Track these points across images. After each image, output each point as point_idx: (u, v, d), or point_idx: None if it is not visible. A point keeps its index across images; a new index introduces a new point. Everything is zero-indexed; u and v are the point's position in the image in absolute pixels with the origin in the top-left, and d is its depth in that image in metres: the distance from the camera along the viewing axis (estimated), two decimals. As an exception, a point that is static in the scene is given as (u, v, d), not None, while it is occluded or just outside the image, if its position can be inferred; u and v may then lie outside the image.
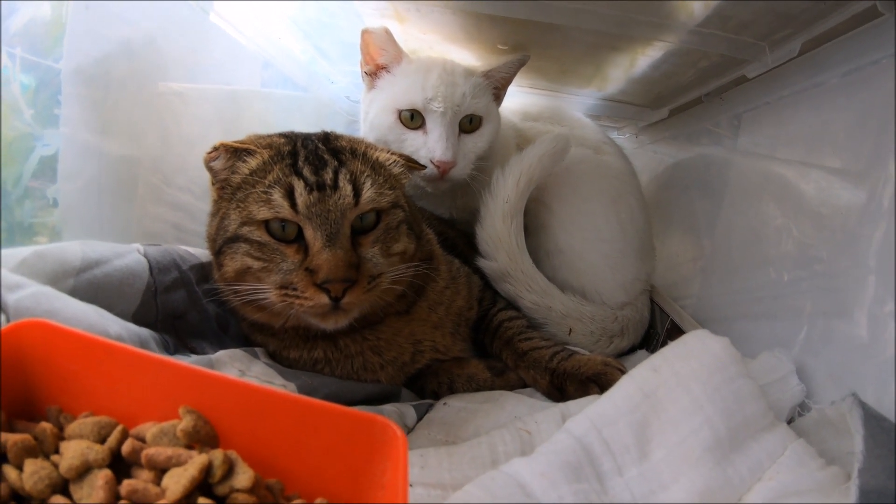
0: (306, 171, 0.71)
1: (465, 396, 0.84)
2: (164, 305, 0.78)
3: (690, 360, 0.69)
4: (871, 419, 0.64)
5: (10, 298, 0.56)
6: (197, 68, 0.95)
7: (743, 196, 0.99)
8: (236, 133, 0.97)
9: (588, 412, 0.65)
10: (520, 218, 1.03)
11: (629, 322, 1.08)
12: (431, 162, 1.01)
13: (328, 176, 0.71)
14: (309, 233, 0.69)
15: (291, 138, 0.78)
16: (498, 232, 1.01)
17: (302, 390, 0.74)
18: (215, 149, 0.73)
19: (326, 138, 0.79)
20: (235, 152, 0.73)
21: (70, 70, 0.75)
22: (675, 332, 1.06)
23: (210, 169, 0.75)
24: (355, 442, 0.47)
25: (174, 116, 0.90)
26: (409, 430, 0.77)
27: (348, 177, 0.71)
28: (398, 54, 1.04)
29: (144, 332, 0.73)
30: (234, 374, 0.75)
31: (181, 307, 0.81)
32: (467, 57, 1.12)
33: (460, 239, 1.11)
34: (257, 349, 0.81)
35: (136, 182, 0.84)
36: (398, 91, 1.04)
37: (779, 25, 0.87)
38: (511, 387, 0.89)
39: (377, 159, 0.77)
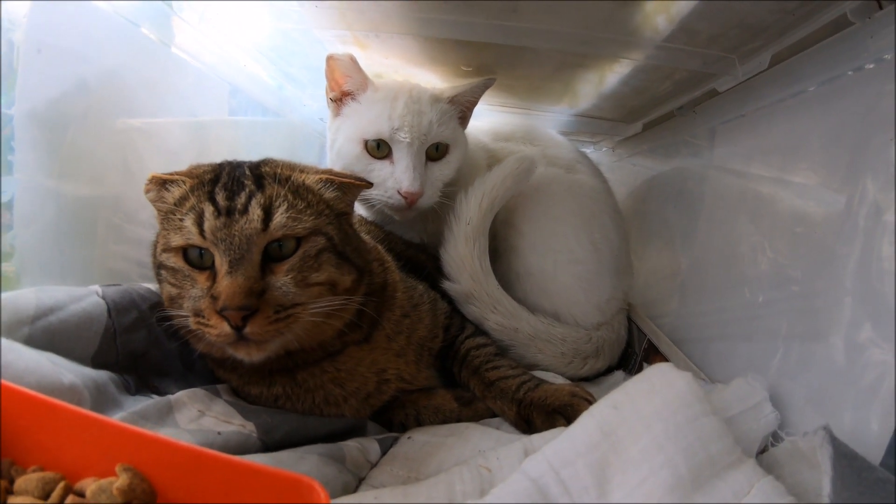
0: (219, 197, 0.70)
1: (431, 429, 0.83)
2: (124, 346, 0.78)
3: (653, 397, 0.67)
4: (842, 458, 0.62)
5: (-38, 352, 0.56)
6: (160, 101, 0.95)
7: (719, 211, 0.97)
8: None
9: (546, 452, 0.64)
10: (483, 240, 1.03)
11: (605, 343, 1.07)
12: (399, 192, 1.01)
13: (240, 201, 0.69)
14: (217, 259, 0.68)
15: (221, 166, 0.77)
16: (461, 254, 1.01)
17: (262, 429, 0.73)
18: (149, 181, 0.74)
19: (258, 164, 0.78)
20: (163, 183, 0.74)
21: (23, 114, 0.75)
22: (652, 352, 1.05)
23: (149, 201, 0.76)
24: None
25: (136, 152, 0.90)
26: (372, 466, 0.76)
27: (261, 202, 0.69)
28: (363, 81, 1.03)
29: (103, 375, 0.73)
30: (194, 414, 0.74)
31: (142, 346, 0.80)
32: (432, 79, 1.11)
33: (431, 262, 1.09)
34: (220, 386, 0.81)
35: (96, 222, 0.85)
36: (364, 120, 1.03)
37: (748, 38, 0.85)
38: (479, 417, 0.88)
39: (303, 183, 0.75)
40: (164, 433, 0.70)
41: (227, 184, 0.71)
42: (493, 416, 0.89)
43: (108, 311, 0.77)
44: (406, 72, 1.06)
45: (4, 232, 0.74)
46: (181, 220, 0.69)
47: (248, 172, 0.74)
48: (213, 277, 0.68)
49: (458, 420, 0.86)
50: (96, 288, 0.79)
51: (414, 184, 1.00)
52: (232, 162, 0.79)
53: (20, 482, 0.47)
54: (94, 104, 0.85)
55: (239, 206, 0.69)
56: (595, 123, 1.22)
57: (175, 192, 0.73)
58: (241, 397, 0.82)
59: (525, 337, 1.01)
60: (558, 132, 1.27)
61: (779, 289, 0.83)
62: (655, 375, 0.70)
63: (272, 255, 0.70)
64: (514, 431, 0.84)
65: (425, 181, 1.02)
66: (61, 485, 0.47)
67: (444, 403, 0.87)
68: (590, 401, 0.83)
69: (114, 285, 0.81)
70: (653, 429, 0.65)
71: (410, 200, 1.01)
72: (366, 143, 1.03)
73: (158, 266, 0.73)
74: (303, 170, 0.77)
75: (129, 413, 0.70)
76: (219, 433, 0.71)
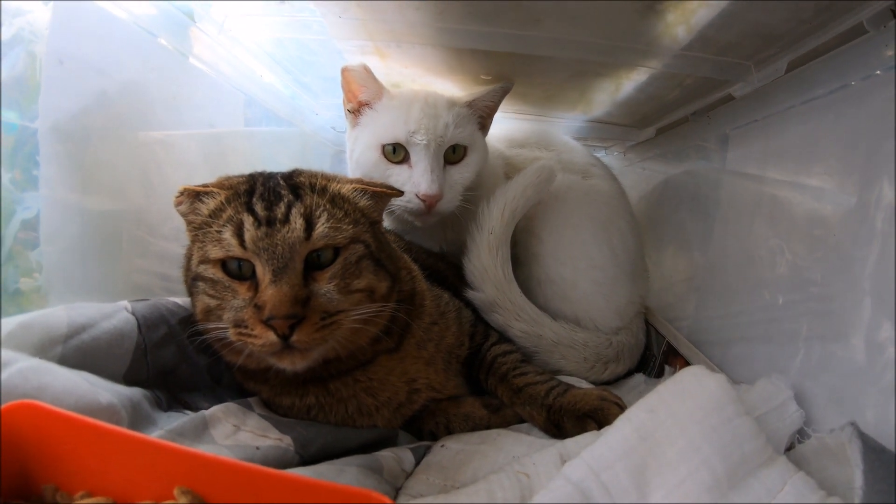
0: (258, 207, 0.71)
1: (463, 437, 0.85)
2: (154, 362, 0.78)
3: (687, 400, 0.69)
4: (871, 451, 0.65)
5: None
6: (178, 113, 0.95)
7: (735, 215, 0.99)
8: (221, 174, 0.97)
9: (585, 456, 0.65)
10: (506, 248, 1.04)
11: (624, 347, 1.09)
12: (417, 196, 1.01)
13: (280, 210, 0.70)
14: (259, 269, 0.68)
15: (254, 177, 0.78)
16: (484, 263, 1.02)
17: (298, 442, 0.74)
18: (180, 193, 0.74)
19: (290, 175, 0.79)
20: (196, 195, 0.74)
21: (46, 128, 0.75)
22: (672, 354, 1.07)
23: (180, 213, 0.76)
24: (351, 519, 0.48)
25: (157, 164, 0.90)
26: (407, 475, 0.77)
27: (302, 211, 0.70)
28: (379, 90, 1.04)
29: (136, 392, 0.73)
30: (229, 429, 0.75)
31: (172, 362, 0.81)
32: (451, 88, 1.12)
33: (451, 272, 1.11)
34: (251, 399, 0.81)
35: (121, 237, 0.84)
36: (381, 126, 1.04)
37: (764, 45, 0.87)
38: (508, 423, 0.89)
39: (339, 192, 0.76)
40: (204, 449, 0.70)
41: (263, 194, 0.72)
42: (522, 422, 0.90)
43: (139, 326, 0.77)
44: (425, 81, 1.07)
45: (28, 249, 0.74)
46: (219, 231, 0.69)
47: (282, 182, 0.75)
48: (255, 287, 0.68)
49: (488, 427, 0.88)
50: (125, 304, 0.79)
51: (432, 186, 1.00)
52: (263, 173, 0.80)
53: (72, 508, 0.46)
54: (115, 117, 0.85)
55: (279, 215, 0.69)
56: (608, 129, 1.24)
57: (210, 204, 0.73)
58: (271, 409, 0.83)
59: (549, 343, 1.03)
60: (571, 138, 1.29)
61: (798, 291, 0.85)
62: (688, 379, 0.72)
63: (311, 265, 0.70)
64: (544, 436, 0.86)
65: (444, 184, 1.03)
66: (115, 510, 0.46)
67: (473, 411, 0.89)
68: (619, 404, 0.84)
69: (142, 300, 0.81)
70: (689, 431, 0.67)
71: (429, 203, 1.01)
72: (383, 148, 1.04)
73: (194, 278, 0.73)
74: (336, 179, 0.78)
75: (167, 431, 0.69)
76: (257, 448, 0.71)
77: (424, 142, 1.01)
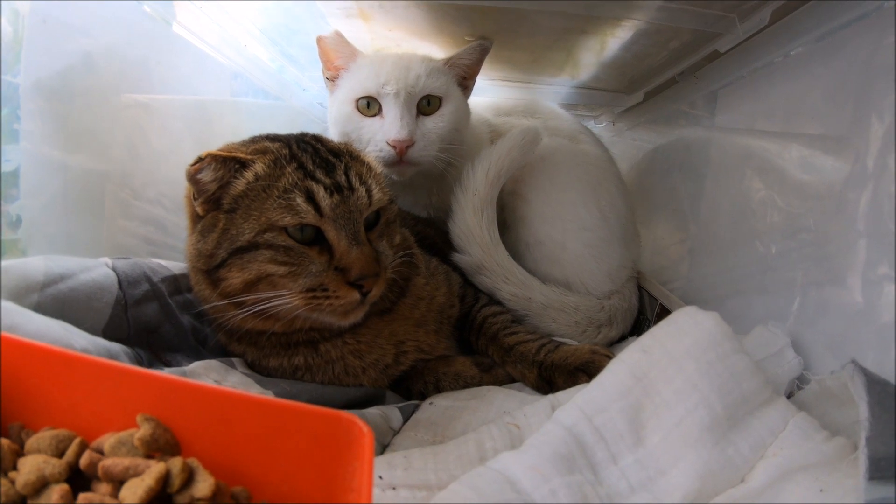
0: (320, 175, 0.70)
1: (452, 394, 0.80)
2: (135, 319, 0.74)
3: (682, 338, 0.65)
4: (875, 384, 0.60)
5: (-33, 316, 0.52)
6: (162, 80, 0.91)
7: (725, 173, 0.96)
8: (208, 144, 0.94)
9: (577, 400, 0.61)
10: (491, 210, 1.01)
11: (617, 311, 1.04)
12: (388, 143, 0.98)
13: (341, 177, 0.71)
14: (332, 234, 0.68)
15: (284, 141, 0.75)
16: (469, 225, 0.99)
17: (280, 398, 0.69)
18: (200, 159, 0.67)
19: (318, 139, 0.78)
20: (226, 162, 0.69)
21: (29, 84, 0.72)
22: (665, 315, 1.02)
23: (196, 182, 0.69)
24: (322, 443, 0.43)
25: (141, 129, 0.86)
26: (394, 433, 0.72)
27: (358, 177, 0.72)
28: (353, 53, 1.04)
29: (115, 346, 0.69)
30: (209, 384, 0.70)
31: (154, 320, 0.76)
32: (435, 51, 1.08)
33: (439, 237, 1.07)
34: (234, 359, 0.77)
35: (104, 196, 0.81)
36: (355, 83, 1.03)
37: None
38: (499, 382, 0.85)
39: (367, 160, 0.79)
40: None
41: (315, 160, 0.71)
42: (513, 381, 0.86)
43: (119, 282, 0.73)
44: (410, 45, 1.04)
45: (7, 202, 0.71)
46: (285, 198, 0.67)
47: (320, 147, 0.75)
48: (328, 252, 0.68)
49: (479, 386, 0.83)
50: (106, 260, 0.75)
51: (402, 132, 0.98)
52: (280, 135, 0.78)
53: (31, 442, 0.43)
54: (99, 79, 0.82)
55: (343, 182, 0.70)
56: (596, 95, 1.20)
57: (254, 170, 0.69)
58: (256, 371, 0.78)
59: (538, 306, 0.98)
60: (559, 106, 1.26)
61: (791, 238, 0.82)
62: (682, 317, 0.67)
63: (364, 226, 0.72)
64: (535, 394, 0.81)
65: (415, 130, 1.00)
66: (76, 441, 0.42)
67: (464, 370, 0.84)
68: (610, 357, 0.80)
69: (124, 258, 0.77)
70: (685, 368, 0.62)
71: (399, 150, 0.98)
72: (356, 102, 1.02)
73: (245, 249, 0.67)
74: (353, 146, 0.82)
75: (143, 382, 0.66)
76: (237, 402, 0.67)
77: (394, 91, 0.98)
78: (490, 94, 1.21)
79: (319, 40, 1.02)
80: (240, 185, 0.69)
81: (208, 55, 1.01)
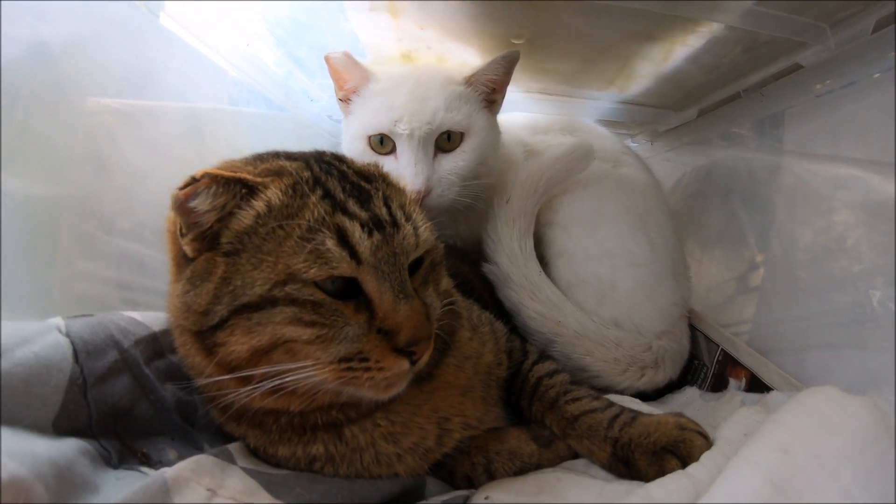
0: (352, 206, 0.49)
1: (512, 485, 0.58)
2: (99, 402, 0.51)
3: (831, 434, 0.47)
4: None
5: None
6: (144, 82, 0.67)
7: (804, 204, 0.77)
8: (200, 161, 0.70)
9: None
10: (525, 221, 0.85)
11: (665, 353, 0.84)
12: None
13: (381, 210, 0.50)
14: (372, 286, 0.48)
15: (302, 160, 0.53)
16: (499, 234, 0.84)
17: (297, 510, 0.47)
18: (194, 180, 0.46)
19: (340, 158, 0.56)
20: (229, 185, 0.46)
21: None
22: (729, 363, 0.83)
23: (185, 211, 0.47)
24: None
25: (112, 141, 0.62)
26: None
27: (401, 210, 0.52)
28: (365, 75, 0.84)
29: (69, 448, 0.46)
30: (201, 495, 0.47)
31: (125, 400, 0.53)
32: (473, 58, 0.86)
33: (475, 276, 0.85)
34: (232, 447, 0.54)
35: (58, 231, 0.56)
36: (367, 115, 0.84)
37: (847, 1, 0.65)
38: (561, 460, 0.63)
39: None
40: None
41: (343, 186, 0.50)
42: (577, 457, 0.65)
43: (75, 354, 0.50)
44: (443, 47, 0.81)
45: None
46: (309, 240, 0.46)
47: (348, 169, 0.53)
48: (366, 308, 0.48)
49: (538, 466, 0.62)
50: (57, 322, 0.51)
51: (416, 180, 0.79)
52: (304, 154, 0.56)
53: None
54: (58, 77, 0.58)
55: (384, 216, 0.50)
56: (641, 111, 0.99)
57: (265, 197, 0.48)
58: (260, 458, 0.55)
59: (571, 334, 0.80)
60: (598, 123, 1.06)
61: (897, 284, 0.64)
62: (824, 404, 0.48)
63: None
64: (613, 478, 0.60)
65: (432, 176, 0.81)
66: None
67: (520, 446, 0.62)
68: (701, 433, 0.60)
69: (83, 316, 0.53)
70: (840, 477, 0.43)
71: (417, 200, 0.78)
72: (369, 139, 0.83)
73: (255, 306, 0.46)
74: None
75: (111, 505, 0.43)
76: (241, 524, 0.44)
77: (407, 131, 0.79)
78: (524, 107, 0.99)
79: (328, 60, 0.83)
80: (246, 217, 0.48)
81: (203, 55, 0.77)
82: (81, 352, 0.50)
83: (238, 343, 0.46)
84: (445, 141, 0.83)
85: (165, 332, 0.59)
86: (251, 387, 0.47)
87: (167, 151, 0.68)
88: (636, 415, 0.63)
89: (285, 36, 0.83)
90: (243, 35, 0.80)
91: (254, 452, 0.56)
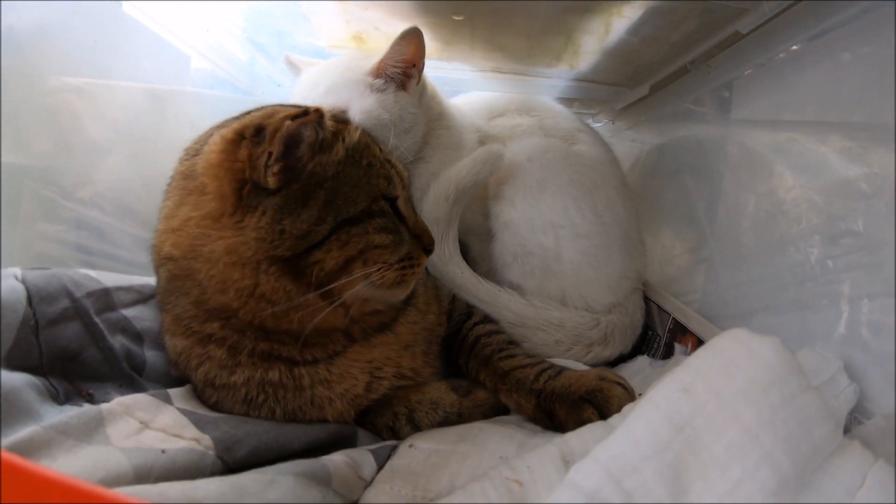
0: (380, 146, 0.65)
1: (436, 434, 0.62)
2: (49, 343, 0.56)
3: (734, 373, 0.48)
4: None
5: None
6: (105, 64, 0.73)
7: (748, 171, 0.79)
8: (159, 139, 0.76)
9: (600, 456, 0.43)
10: (440, 229, 0.89)
11: (615, 328, 0.87)
12: None
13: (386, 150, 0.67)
14: (404, 203, 0.64)
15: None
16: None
17: (221, 444, 0.52)
18: (306, 113, 0.53)
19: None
20: (336, 121, 0.59)
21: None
22: (680, 331, 0.85)
23: (288, 142, 0.52)
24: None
25: (74, 117, 0.68)
26: (366, 484, 0.54)
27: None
28: (298, 70, 0.95)
29: (17, 379, 0.52)
30: (133, 427, 0.52)
31: (75, 344, 0.58)
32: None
33: None
34: (171, 391, 0.59)
35: (20, 195, 0.62)
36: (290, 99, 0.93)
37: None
38: (481, 408, 0.67)
39: None
40: (90, 452, 0.48)
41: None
42: (497, 408, 0.68)
43: (29, 298, 0.55)
44: (391, 27, 0.86)
45: None
46: (384, 168, 0.61)
47: None
48: (401, 222, 0.62)
49: (459, 415, 0.65)
50: (14, 270, 0.57)
51: None
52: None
53: None
54: (23, 59, 0.64)
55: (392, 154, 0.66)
56: (596, 89, 1.02)
57: (350, 137, 0.59)
58: (205, 394, 0.60)
59: (506, 324, 0.83)
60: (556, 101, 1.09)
61: (834, 244, 0.65)
62: (730, 344, 0.50)
63: None
64: (536, 431, 0.63)
65: None
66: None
67: (441, 396, 0.65)
68: (622, 384, 0.62)
69: (39, 269, 0.59)
70: (741, 416, 0.45)
71: None
72: None
73: (356, 220, 0.56)
74: None
75: (43, 427, 0.48)
76: (163, 451, 0.48)
77: None
78: (480, 87, 1.03)
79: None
80: (340, 150, 0.58)
81: (167, 41, 0.83)
82: (35, 297, 0.56)
83: (332, 258, 0.55)
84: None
85: (118, 288, 0.65)
86: (334, 299, 0.56)
87: (127, 129, 0.74)
88: (562, 370, 0.66)
89: (245, 23, 0.90)
90: (206, 22, 0.87)
91: (201, 392, 0.60)
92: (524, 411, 0.65)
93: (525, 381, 0.65)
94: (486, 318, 0.78)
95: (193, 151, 0.59)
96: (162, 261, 0.59)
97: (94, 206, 0.68)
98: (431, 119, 0.93)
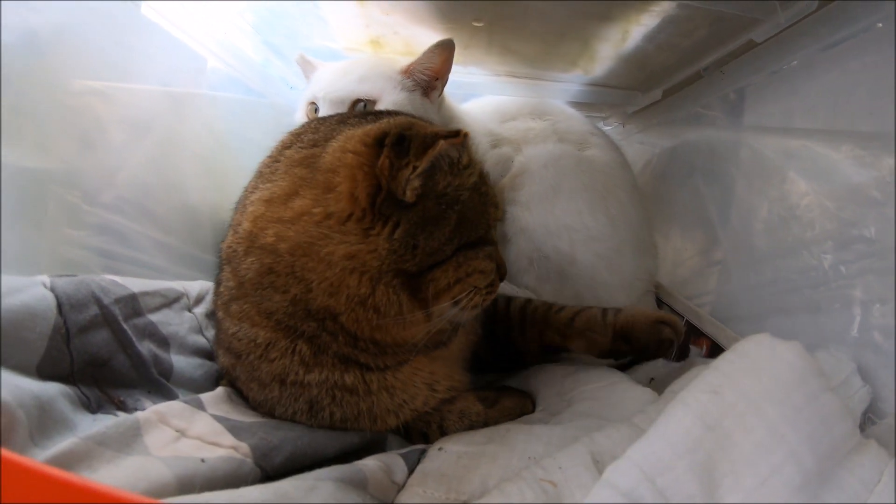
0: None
1: (464, 437, 0.63)
2: (80, 351, 0.57)
3: (759, 375, 0.50)
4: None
5: None
6: (124, 66, 0.73)
7: (761, 176, 0.81)
8: (177, 142, 0.76)
9: (634, 457, 0.45)
10: None
11: None
12: None
13: None
14: (491, 233, 0.63)
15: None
16: None
17: (258, 452, 0.53)
18: (461, 134, 0.54)
19: None
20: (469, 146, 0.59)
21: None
22: (693, 334, 0.87)
23: (439, 160, 0.53)
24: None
25: (96, 121, 0.69)
26: (399, 488, 0.55)
27: None
28: (313, 67, 0.96)
29: (51, 389, 0.52)
30: (170, 435, 0.53)
31: (104, 351, 0.59)
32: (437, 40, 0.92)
33: None
34: (203, 396, 0.60)
35: (46, 200, 0.63)
36: (308, 91, 0.94)
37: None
38: (507, 417, 0.69)
39: None
40: (130, 463, 0.49)
41: None
42: (523, 413, 0.70)
43: (59, 306, 0.56)
44: (409, 32, 0.87)
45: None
46: (494, 198, 0.62)
47: None
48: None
49: (486, 424, 0.67)
50: (43, 278, 0.57)
51: None
52: None
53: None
54: (46, 62, 0.65)
55: None
56: (609, 93, 1.04)
57: (479, 167, 0.61)
58: (283, 384, 0.59)
59: None
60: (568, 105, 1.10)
61: (846, 249, 0.67)
62: (755, 349, 0.52)
63: None
64: (560, 429, 0.65)
65: None
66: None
67: (468, 406, 0.68)
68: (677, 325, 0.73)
69: (67, 276, 0.60)
70: (767, 415, 0.47)
71: None
72: (307, 107, 0.93)
73: (473, 245, 0.57)
74: None
75: (82, 438, 0.48)
76: (202, 460, 0.49)
77: (322, 94, 0.88)
78: (494, 91, 1.05)
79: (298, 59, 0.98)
80: (473, 176, 0.58)
81: (184, 43, 0.83)
82: (65, 304, 0.56)
83: (445, 278, 0.56)
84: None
85: (145, 294, 0.65)
86: (435, 319, 0.57)
87: (146, 132, 0.75)
88: (618, 309, 0.74)
89: (261, 24, 0.90)
90: (221, 24, 0.87)
91: (244, 396, 0.62)
92: (598, 346, 0.72)
93: (595, 319, 0.72)
94: (512, 298, 0.80)
95: (311, 142, 0.58)
96: (257, 250, 0.55)
97: (116, 210, 0.69)
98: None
